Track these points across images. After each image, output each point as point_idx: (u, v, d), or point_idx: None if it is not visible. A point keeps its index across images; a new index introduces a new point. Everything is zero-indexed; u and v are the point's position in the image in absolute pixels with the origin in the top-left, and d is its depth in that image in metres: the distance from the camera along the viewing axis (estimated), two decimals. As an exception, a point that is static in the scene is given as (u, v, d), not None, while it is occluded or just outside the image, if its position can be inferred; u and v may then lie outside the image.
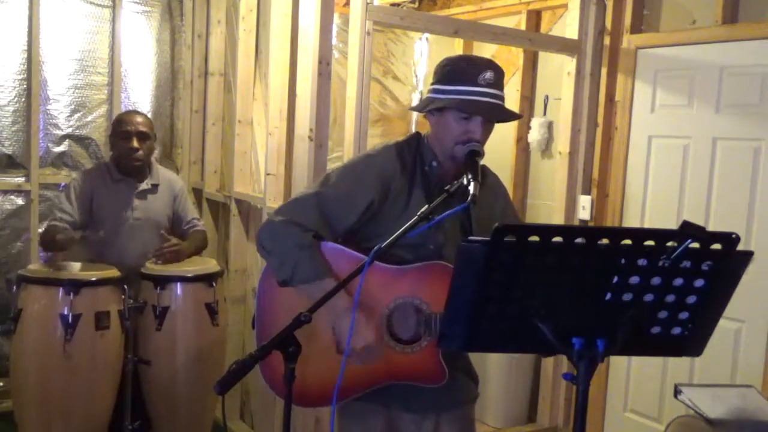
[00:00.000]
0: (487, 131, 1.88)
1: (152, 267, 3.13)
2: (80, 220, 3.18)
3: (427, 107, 1.90)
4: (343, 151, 3.10)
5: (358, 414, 2.00)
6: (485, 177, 1.89)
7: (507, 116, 1.89)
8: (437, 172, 1.95)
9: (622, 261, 1.28)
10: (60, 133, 3.89)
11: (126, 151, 3.22)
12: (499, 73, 1.87)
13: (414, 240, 1.74)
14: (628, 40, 3.54)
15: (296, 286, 1.83)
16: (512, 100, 4.05)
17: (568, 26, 3.67)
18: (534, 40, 3.60)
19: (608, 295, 1.32)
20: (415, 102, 4.31)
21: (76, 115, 3.92)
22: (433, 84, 1.92)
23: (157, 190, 3.36)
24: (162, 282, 3.05)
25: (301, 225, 1.85)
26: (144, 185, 3.31)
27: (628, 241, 1.26)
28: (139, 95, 4.12)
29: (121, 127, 3.24)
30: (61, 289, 2.82)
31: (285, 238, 1.85)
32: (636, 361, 3.57)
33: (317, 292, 1.74)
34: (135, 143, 3.21)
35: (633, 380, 3.58)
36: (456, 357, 1.95)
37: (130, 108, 4.04)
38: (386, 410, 1.98)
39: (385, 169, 1.91)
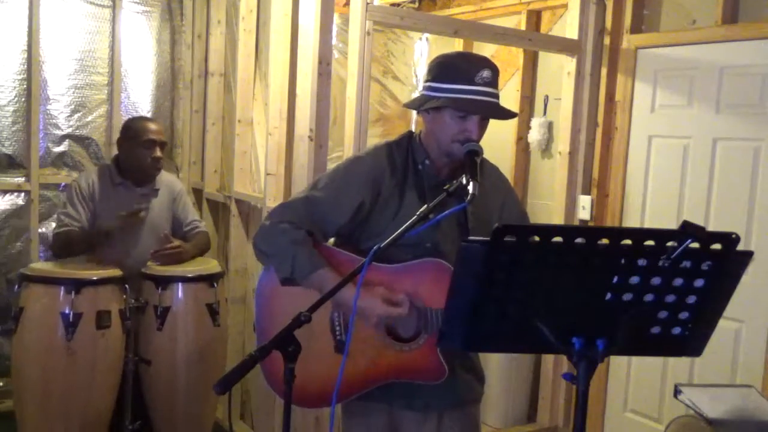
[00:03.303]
0: (482, 129, 1.89)
1: (154, 267, 3.13)
2: (88, 224, 3.17)
3: (423, 106, 1.89)
4: (343, 151, 3.11)
5: (361, 412, 2.00)
6: (484, 171, 1.89)
7: (504, 115, 1.89)
8: (430, 171, 1.95)
9: (622, 261, 1.28)
10: (60, 133, 3.89)
11: (149, 160, 3.21)
12: (495, 72, 1.87)
13: (411, 239, 1.74)
14: (628, 40, 3.54)
15: (300, 281, 1.84)
16: (512, 100, 4.05)
17: (568, 26, 3.67)
18: (534, 40, 3.60)
19: (608, 295, 1.32)
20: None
21: (76, 115, 3.92)
22: (427, 81, 1.91)
23: (157, 194, 3.35)
24: (163, 282, 3.05)
25: (292, 223, 1.87)
26: (144, 189, 3.31)
27: (628, 241, 1.26)
28: (139, 95, 4.12)
29: (144, 136, 3.20)
30: (62, 288, 2.81)
31: (278, 236, 1.86)
32: (636, 361, 3.57)
33: (325, 285, 1.75)
34: (159, 152, 3.22)
35: (633, 380, 3.58)
36: (457, 353, 1.95)
37: (130, 108, 4.04)
38: (389, 408, 1.98)
39: (374, 171, 1.92)
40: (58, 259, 3.18)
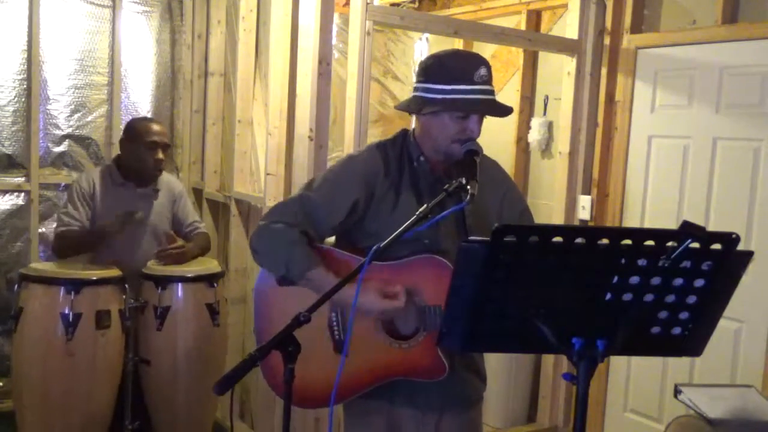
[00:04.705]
0: (481, 126, 1.88)
1: (153, 267, 3.13)
2: (88, 223, 3.16)
3: (423, 110, 1.86)
4: (343, 151, 3.11)
5: (361, 412, 2.00)
6: (482, 167, 1.87)
7: (503, 112, 1.88)
8: (425, 167, 1.94)
9: (622, 261, 1.28)
10: (60, 133, 3.89)
11: (152, 162, 3.20)
12: (489, 68, 1.86)
13: (408, 236, 1.74)
14: (628, 40, 3.54)
15: (295, 280, 1.84)
16: (512, 100, 4.05)
17: (568, 26, 3.67)
18: (534, 40, 3.60)
19: (608, 295, 1.32)
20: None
21: (76, 115, 3.93)
22: (422, 82, 1.88)
23: (157, 195, 3.35)
24: (163, 282, 3.05)
25: (287, 223, 1.86)
26: (146, 190, 3.30)
27: (628, 241, 1.26)
28: (139, 95, 4.12)
29: (147, 137, 3.18)
30: (62, 288, 2.82)
31: (273, 236, 1.86)
32: (636, 361, 3.57)
33: (320, 284, 1.75)
34: (161, 154, 3.20)
35: (633, 380, 3.58)
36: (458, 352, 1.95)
37: (131, 108, 4.05)
38: (390, 407, 1.97)
39: (368, 169, 1.91)
40: (59, 258, 3.17)
